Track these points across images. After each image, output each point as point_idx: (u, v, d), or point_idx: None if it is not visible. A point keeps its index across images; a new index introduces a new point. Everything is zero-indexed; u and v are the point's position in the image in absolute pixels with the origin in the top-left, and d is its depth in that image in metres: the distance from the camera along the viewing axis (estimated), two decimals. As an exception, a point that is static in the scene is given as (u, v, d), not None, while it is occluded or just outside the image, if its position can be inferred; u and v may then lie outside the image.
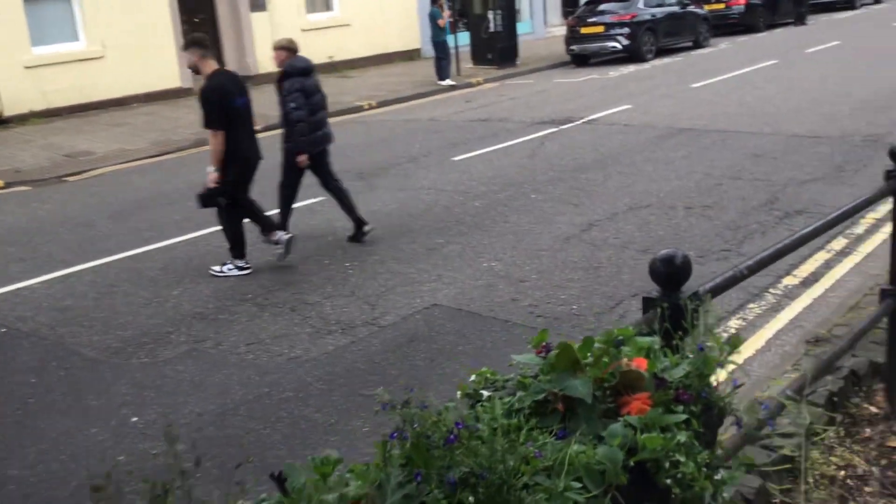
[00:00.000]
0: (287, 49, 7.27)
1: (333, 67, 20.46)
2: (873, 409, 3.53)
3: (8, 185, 11.09)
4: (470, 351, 5.14)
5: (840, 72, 14.90)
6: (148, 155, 12.52)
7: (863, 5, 28.78)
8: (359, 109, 15.58)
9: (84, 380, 5.09)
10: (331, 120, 14.29)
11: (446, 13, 17.57)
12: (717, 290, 2.09)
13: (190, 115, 15.36)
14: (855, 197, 7.57)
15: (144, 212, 9.10)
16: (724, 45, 21.33)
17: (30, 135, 14.31)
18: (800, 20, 24.62)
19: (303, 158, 7.28)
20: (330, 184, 7.64)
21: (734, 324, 5.28)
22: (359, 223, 7.46)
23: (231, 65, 19.23)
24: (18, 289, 6.78)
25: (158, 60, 17.36)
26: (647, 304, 1.95)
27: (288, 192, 7.48)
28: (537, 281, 6.20)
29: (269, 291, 6.37)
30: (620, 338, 1.80)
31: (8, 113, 15.41)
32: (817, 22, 25.07)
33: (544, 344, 1.80)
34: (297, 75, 7.20)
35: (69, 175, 11.51)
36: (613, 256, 6.58)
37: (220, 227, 7.03)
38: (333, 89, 17.72)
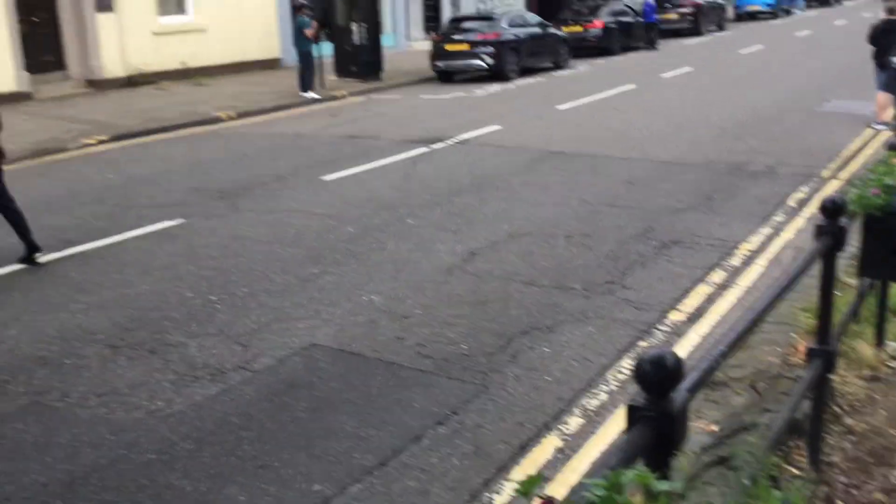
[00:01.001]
0: None
1: (187, 74, 19.46)
2: (794, 471, 3.40)
3: None
4: (356, 399, 4.73)
5: (696, 97, 15.46)
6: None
7: (709, 31, 30.36)
8: (216, 121, 14.78)
9: None
10: (186, 132, 13.66)
11: (314, 23, 17.02)
12: (695, 388, 1.80)
13: (29, 121, 14.12)
14: (722, 225, 7.78)
15: (-26, 233, 8.11)
16: (582, 67, 21.83)
17: None
18: (651, 45, 25.61)
19: None
20: (2, 202, 7.17)
21: (627, 363, 5.11)
22: (31, 247, 7.10)
23: (75, 69, 17.93)
24: None
25: (-9, 61, 15.88)
26: (633, 413, 1.61)
27: None
28: (422, 317, 5.85)
29: (123, 330, 5.70)
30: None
31: None
32: (668, 47, 26.17)
33: (546, 500, 1.38)
34: None
35: None
36: (499, 289, 6.33)
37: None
38: (188, 98, 16.85)
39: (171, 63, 19.21)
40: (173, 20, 19.49)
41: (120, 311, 6.02)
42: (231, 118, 15.01)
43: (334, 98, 17.31)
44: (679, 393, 1.62)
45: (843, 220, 2.91)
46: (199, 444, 4.29)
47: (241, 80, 19.52)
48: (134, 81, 18.39)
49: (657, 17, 25.76)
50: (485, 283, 6.46)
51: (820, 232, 2.87)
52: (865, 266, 3.70)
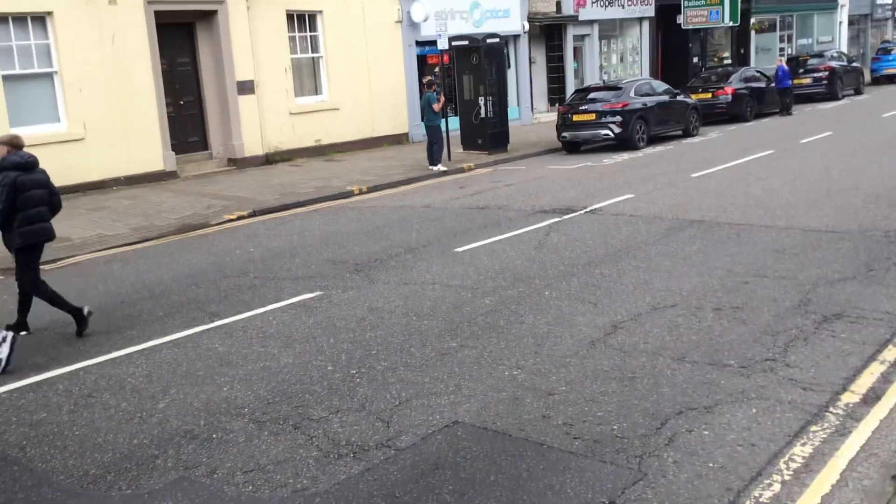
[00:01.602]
0: (7, 144, 7.54)
1: (321, 151, 20.15)
2: None
3: (-22, 273, 10.38)
4: (504, 482, 4.48)
5: (841, 163, 14.71)
6: (129, 241, 11.88)
7: (845, 96, 29.18)
8: (349, 195, 15.12)
9: (55, 518, 4.36)
10: (320, 206, 14.00)
11: (442, 98, 17.34)
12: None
13: (174, 198, 14.84)
14: (889, 297, 7.18)
15: (126, 306, 8.43)
16: (713, 133, 21.29)
17: (4, 218, 13.64)
18: (786, 110, 24.77)
19: None
20: (24, 279, 7.67)
21: (799, 451, 4.67)
22: (21, 325, 7.70)
23: (217, 148, 18.84)
24: (-17, 398, 6.06)
25: (141, 142, 16.89)
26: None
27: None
28: (567, 394, 5.58)
29: (267, 404, 5.69)
30: None
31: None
32: (802, 112, 25.27)
33: None
34: (10, 169, 7.36)
35: (45, 263, 10.80)
36: (647, 365, 5.99)
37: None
38: (321, 173, 17.37)
39: (306, 141, 19.94)
40: (309, 100, 20.31)
41: (263, 385, 6.03)
42: (362, 192, 15.33)
43: (461, 170, 17.46)
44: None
45: None
46: (346, 527, 4.14)
47: (371, 156, 20.03)
48: (271, 159, 19.15)
49: (791, 81, 24.95)
50: (631, 358, 6.14)
51: None
52: None
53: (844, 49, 37.87)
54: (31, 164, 7.52)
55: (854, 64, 31.38)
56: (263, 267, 9.79)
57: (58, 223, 12.92)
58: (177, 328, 7.51)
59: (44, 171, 7.69)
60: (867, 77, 33.80)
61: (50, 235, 7.80)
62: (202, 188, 16.10)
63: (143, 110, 16.87)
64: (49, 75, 15.81)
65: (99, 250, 11.42)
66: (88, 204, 14.78)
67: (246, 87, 18.63)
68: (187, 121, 18.45)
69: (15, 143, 7.56)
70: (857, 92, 30.35)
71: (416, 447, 4.94)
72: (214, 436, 5.23)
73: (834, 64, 29.44)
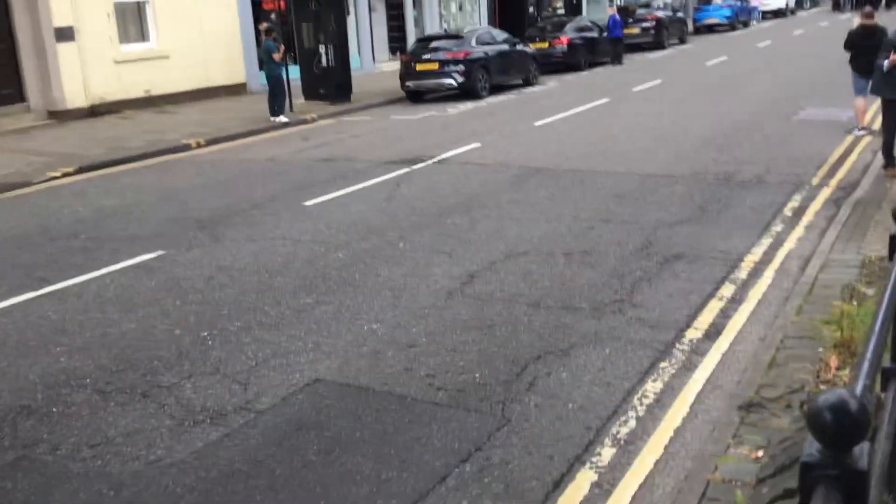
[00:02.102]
0: None
1: (151, 102, 19.03)
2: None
3: None
4: (370, 438, 4.42)
5: (672, 109, 15.41)
6: (-61, 203, 10.78)
7: (671, 45, 30.58)
8: (186, 148, 14.38)
9: None
10: (155, 161, 13.25)
11: (282, 47, 16.71)
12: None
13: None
14: (723, 237, 7.61)
15: (-60, 275, 7.66)
16: (552, 83, 21.78)
17: None
18: (617, 59, 25.68)
19: None
20: None
21: (651, 387, 4.87)
22: None
23: (35, 100, 17.42)
24: None
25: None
26: (807, 471, 1.35)
27: None
28: (428, 345, 5.56)
29: (111, 373, 5.33)
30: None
31: None
32: (632, 61, 26.27)
33: None
34: None
35: None
36: (504, 312, 6.06)
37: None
38: (154, 126, 16.42)
39: (134, 91, 18.76)
40: (135, 48, 19.06)
41: (105, 353, 5.64)
42: (200, 145, 14.63)
43: (304, 122, 16.99)
44: (863, 445, 1.35)
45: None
46: (207, 497, 3.95)
47: (207, 107, 19.13)
48: (96, 111, 17.91)
49: (622, 31, 25.85)
50: (489, 307, 6.19)
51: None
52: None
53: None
54: None
55: (679, 14, 32.90)
56: (95, 227, 9.16)
57: None
58: (2, 296, 6.90)
59: None
60: (690, 27, 35.56)
61: None
62: (20, 143, 14.85)
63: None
64: None
65: None
66: None
67: (65, 34, 17.23)
68: (1, 70, 16.89)
69: None
70: (682, 41, 31.88)
71: (277, 408, 4.78)
72: (54, 409, 4.85)
73: (660, 14, 30.75)
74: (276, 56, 16.46)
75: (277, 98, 16.60)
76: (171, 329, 6.04)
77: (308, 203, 9.68)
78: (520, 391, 4.87)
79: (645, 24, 29.61)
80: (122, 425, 4.65)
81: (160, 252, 7.97)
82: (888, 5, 42.81)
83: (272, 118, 16.55)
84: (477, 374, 5.10)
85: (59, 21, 17.10)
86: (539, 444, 4.30)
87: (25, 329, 6.16)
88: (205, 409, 4.79)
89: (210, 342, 5.76)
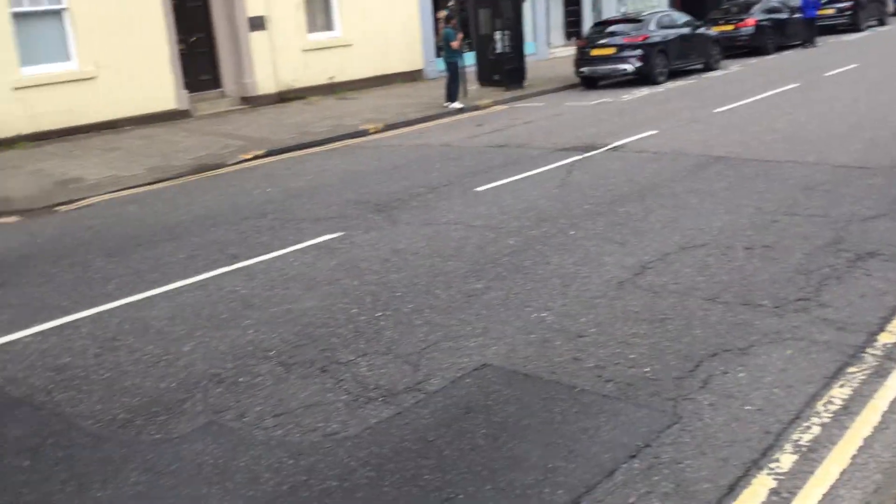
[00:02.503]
0: None
1: (333, 88, 19.83)
2: None
3: (-5, 215, 10.33)
4: (537, 425, 4.42)
5: (868, 96, 14.34)
6: (144, 182, 11.77)
7: (868, 27, 28.42)
8: (364, 133, 14.90)
9: (87, 463, 4.32)
10: (337, 145, 13.82)
11: (461, 34, 16.93)
12: None
13: (189, 138, 14.69)
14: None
15: (145, 249, 8.35)
16: (735, 67, 20.82)
17: (17, 160, 13.56)
18: (809, 42, 24.16)
19: None
20: None
21: (838, 392, 4.57)
22: None
23: (230, 86, 18.57)
24: (8, 342, 6.01)
25: (153, 81, 16.65)
26: None
27: None
28: (597, 336, 5.49)
29: (293, 347, 5.62)
30: None
31: (-5, 136, 14.66)
32: (825, 44, 24.65)
33: None
34: None
35: (60, 204, 10.75)
36: (678, 306, 5.88)
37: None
38: (335, 111, 17.11)
39: (319, 78, 19.63)
40: (321, 36, 19.93)
41: (289, 328, 5.96)
42: (379, 130, 15.11)
43: (477, 107, 17.16)
44: None
45: None
46: (379, 472, 4.09)
47: (385, 93, 19.71)
48: (284, 97, 18.88)
49: (817, 12, 24.28)
50: (661, 299, 6.02)
51: None
52: None
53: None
54: None
55: (880, -7, 30.48)
56: (282, 208, 9.67)
57: (70, 164, 12.87)
58: (198, 270, 7.44)
59: None
60: (890, 6, 32.86)
61: None
62: (216, 127, 15.91)
63: (155, 48, 16.60)
64: (58, 12, 15.52)
65: (114, 192, 11.31)
66: (102, 144, 14.64)
67: (257, 23, 18.27)
68: (199, 58, 18.15)
69: None
70: (881, 23, 29.54)
71: (446, 390, 4.88)
72: (242, 379, 5.18)
73: (858, -6, 28.62)
74: (454, 44, 16.71)
75: (454, 84, 16.85)
76: (349, 308, 6.29)
77: (481, 188, 9.78)
78: (693, 388, 4.71)
79: (840, 5, 27.65)
80: (301, 398, 4.90)
81: (341, 233, 8.32)
82: None
83: (446, 104, 16.82)
84: (648, 369, 4.98)
85: (253, 11, 18.14)
86: (713, 444, 4.14)
87: (218, 302, 6.62)
88: (378, 387, 4.97)
89: (384, 322, 5.95)
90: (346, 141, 14.33)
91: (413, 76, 21.82)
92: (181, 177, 12.07)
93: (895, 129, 11.19)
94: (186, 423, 4.67)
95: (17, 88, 14.83)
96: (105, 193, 11.22)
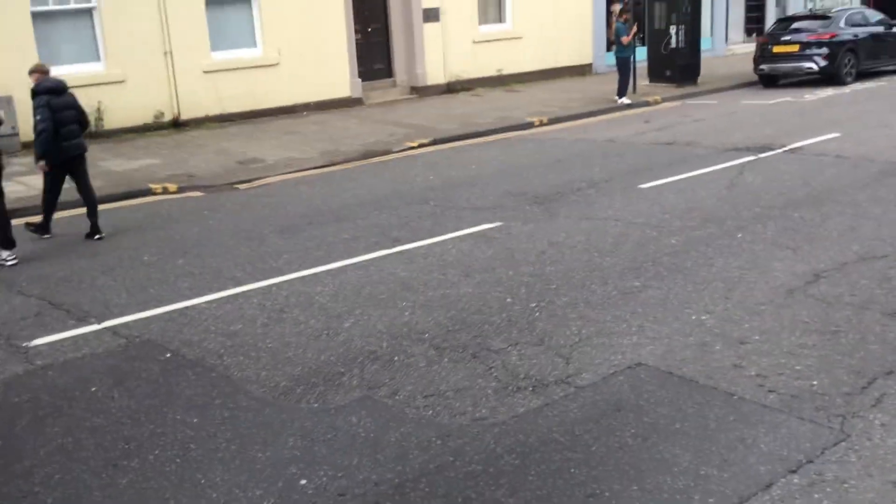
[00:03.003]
0: (38, 72, 8.64)
1: (501, 81, 19.94)
2: None
3: (181, 189, 11.10)
4: (690, 430, 4.28)
5: None
6: (316, 165, 12.29)
7: None
8: (529, 126, 14.91)
9: (250, 425, 4.58)
10: (500, 136, 13.89)
11: (633, 29, 16.60)
12: None
13: (358, 125, 15.20)
14: None
15: (313, 228, 8.73)
16: (934, 69, 19.24)
17: (204, 139, 14.50)
18: None
19: (41, 164, 8.53)
20: (82, 189, 8.91)
21: None
22: (94, 230, 8.78)
23: (401, 76, 19.04)
24: (186, 308, 6.46)
25: (331, 69, 17.34)
26: None
27: (48, 197, 8.84)
28: (761, 344, 5.24)
29: (447, 331, 5.72)
30: None
31: (185, 116, 15.74)
32: None
33: None
34: (43, 93, 8.41)
35: (240, 182, 11.42)
36: (853, 319, 5.52)
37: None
38: (502, 103, 17.20)
39: (487, 70, 19.79)
40: (492, 28, 20.07)
41: (443, 312, 6.07)
42: (542, 123, 15.06)
43: (647, 104, 16.76)
44: None
45: None
46: (524, 461, 4.09)
47: (552, 87, 19.61)
48: (452, 88, 19.18)
49: None
50: (834, 311, 5.68)
51: None
52: None
53: None
54: (61, 88, 8.60)
55: None
56: (443, 195, 9.84)
57: (251, 145, 13.64)
58: (361, 251, 7.70)
59: (72, 94, 8.78)
60: None
61: (84, 148, 8.86)
62: (385, 115, 16.38)
63: (333, 37, 17.27)
64: (248, 0, 16.44)
65: (288, 173, 11.89)
66: (280, 128, 15.41)
67: (432, 15, 18.63)
68: (374, 48, 18.73)
69: (43, 70, 8.68)
70: None
71: (597, 386, 4.81)
72: (396, 358, 5.32)
73: None
74: (625, 39, 16.40)
75: (623, 80, 16.54)
76: (503, 297, 6.32)
77: (644, 186, 9.55)
78: (864, 406, 4.41)
79: None
80: (452, 381, 4.98)
81: (498, 223, 8.37)
82: None
83: (614, 98, 16.54)
84: (815, 382, 4.71)
85: (428, 2, 18.50)
86: (882, 467, 3.87)
87: (378, 283, 6.82)
88: (528, 377, 4.97)
89: (537, 314, 5.94)
90: (509, 133, 14.38)
91: (582, 70, 21.58)
92: (349, 161, 12.52)
93: None
94: (343, 396, 4.86)
95: (207, 72, 15.85)
96: (280, 174, 11.81)
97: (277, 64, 16.66)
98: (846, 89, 16.91)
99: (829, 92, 16.62)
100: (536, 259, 7.19)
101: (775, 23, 20.09)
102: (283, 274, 7.16)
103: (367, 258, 7.50)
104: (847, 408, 4.41)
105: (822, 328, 5.41)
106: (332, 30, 17.22)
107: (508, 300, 6.26)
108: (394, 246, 7.80)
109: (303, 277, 7.05)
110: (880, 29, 18.66)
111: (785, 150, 10.96)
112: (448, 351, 5.41)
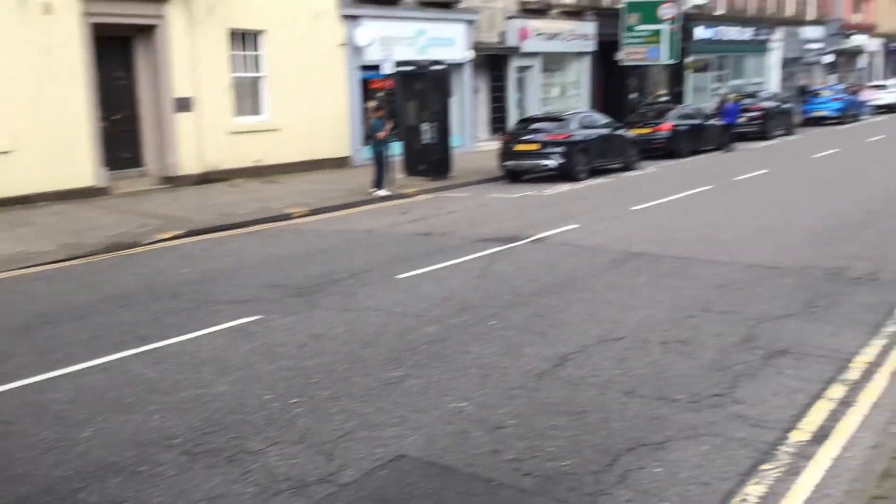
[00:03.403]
0: None
1: (259, 172, 19.75)
2: None
3: None
4: (452, 521, 4.28)
5: (778, 200, 15.00)
6: (55, 259, 11.34)
7: (777, 136, 30.01)
8: (289, 217, 14.80)
9: (-37, 559, 3.98)
10: (259, 228, 13.66)
11: (388, 125, 17.19)
12: None
13: (105, 216, 14.33)
14: (832, 334, 7.22)
15: (51, 327, 7.97)
16: (652, 168, 21.59)
17: (-79, 231, 12.95)
18: (728, 147, 25.35)
19: None
20: None
21: (752, 490, 4.58)
22: None
23: (151, 165, 18.32)
24: None
25: (71, 157, 16.28)
26: None
27: None
28: (516, 428, 5.41)
29: (200, 435, 5.37)
30: None
31: None
32: (736, 150, 25.84)
33: None
34: None
35: (-37, 279, 10.25)
36: (596, 399, 5.87)
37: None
38: (260, 195, 17.00)
39: (245, 161, 19.53)
40: (249, 120, 19.93)
41: (197, 414, 5.70)
42: (303, 214, 15.03)
43: (404, 196, 17.29)
44: None
45: None
46: (285, 570, 3.87)
47: (312, 178, 19.72)
48: (208, 178, 18.69)
49: (736, 119, 25.99)
50: (580, 392, 6.01)
51: None
52: None
53: (776, 90, 39.06)
54: None
55: (785, 105, 32.33)
56: (198, 289, 9.42)
57: (-21, 238, 12.32)
58: (104, 352, 7.11)
59: None
60: (796, 118, 34.86)
61: None
62: (135, 206, 15.58)
63: (75, 124, 16.29)
64: (-25, 84, 15.15)
65: (23, 268, 10.87)
66: (12, 220, 14.14)
67: (183, 105, 18.18)
68: (121, 136, 17.88)
69: None
70: (789, 132, 31.25)
71: (360, 483, 4.70)
72: (142, 468, 4.89)
73: (767, 104, 30.31)
74: (381, 134, 16.95)
75: (380, 172, 16.99)
76: (262, 394, 6.07)
77: (403, 275, 9.74)
78: (610, 483, 4.65)
79: (751, 114, 29.17)
80: (205, 489, 4.65)
81: (258, 316, 8.12)
82: None
83: (371, 190, 16.91)
84: (566, 462, 4.91)
85: (180, 92, 18.07)
86: (630, 542, 4.07)
87: (123, 386, 6.31)
88: (288, 479, 4.75)
89: (298, 409, 5.76)
90: (269, 224, 14.19)
91: (341, 162, 21.94)
92: (94, 255, 11.69)
93: (802, 233, 11.69)
94: (79, 515, 4.37)
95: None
96: (13, 269, 10.76)
97: (10, 152, 15.38)
98: (581, 185, 18.50)
99: (566, 187, 18.09)
100: (297, 352, 7.02)
101: (517, 123, 21.72)
102: (11, 381, 6.41)
103: (111, 359, 6.93)
104: (596, 486, 4.63)
105: (569, 409, 5.69)
106: (74, 116, 16.23)
107: (267, 397, 6.02)
108: (141, 345, 7.28)
109: (36, 383, 6.36)
110: (607, 131, 20.73)
111: (531, 241, 11.69)
112: (201, 456, 5.06)
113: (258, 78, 20.19)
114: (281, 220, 14.53)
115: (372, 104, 18.33)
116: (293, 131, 20.56)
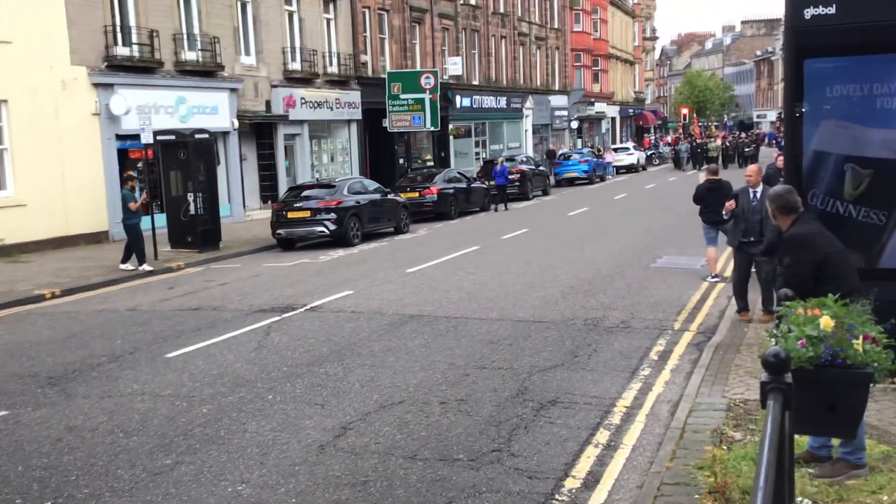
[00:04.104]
0: None
1: (5, 251, 18.10)
2: None
3: None
4: None
5: (539, 257, 15.90)
6: None
7: (535, 196, 32.03)
8: (39, 299, 13.60)
9: None
10: (3, 313, 12.42)
11: (143, 196, 16.35)
12: None
13: None
14: (594, 381, 7.69)
15: None
16: (423, 231, 22.21)
17: None
18: (489, 208, 26.68)
19: None
20: None
21: (533, 541, 4.69)
22: None
23: None
24: None
25: None
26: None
27: None
28: (298, 507, 5.21)
29: (-67, 555, 4.69)
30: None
31: None
32: (499, 211, 27.27)
33: None
34: None
35: None
36: (379, 466, 5.81)
37: None
38: (6, 276, 15.51)
39: (-13, 240, 17.81)
40: (-10, 194, 18.26)
41: (-72, 532, 4.99)
42: (55, 296, 13.87)
43: (170, 269, 16.50)
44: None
45: (788, 376, 2.73)
46: None
47: (67, 256, 18.35)
48: (-58, 260, 16.82)
49: (506, 180, 27.77)
50: (363, 461, 5.92)
51: (767, 389, 2.66)
52: (799, 422, 3.53)
53: (530, 153, 41.83)
54: None
55: (541, 168, 34.69)
56: (-69, 386, 8.35)
57: None
58: None
59: None
60: (552, 179, 37.48)
61: None
62: None
63: None
64: None
65: None
66: None
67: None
68: None
69: None
70: (545, 193, 33.48)
71: (128, 588, 4.29)
72: None
73: (524, 167, 32.36)
74: (132, 205, 16.04)
75: (135, 247, 16.02)
76: (11, 499, 5.43)
77: (171, 355, 9.21)
78: (397, 554, 4.58)
79: (511, 176, 30.97)
80: None
81: (3, 413, 7.32)
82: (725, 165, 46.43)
83: (122, 266, 15.93)
84: (351, 537, 4.78)
85: None
86: None
87: None
88: None
89: (54, 514, 5.20)
90: (16, 308, 12.95)
91: (99, 238, 20.59)
92: None
93: (563, 287, 12.44)
94: None
95: None
96: None
97: None
98: (355, 250, 18.61)
99: (340, 253, 18.12)
100: (51, 449, 6.38)
101: (288, 190, 21.56)
102: None
103: None
104: (383, 558, 4.54)
105: (353, 481, 5.58)
106: None
107: (18, 502, 5.39)
108: None
109: None
110: (377, 196, 21.11)
111: (307, 309, 11.52)
112: (-66, 581, 4.41)
113: (0, 150, 18.62)
114: (30, 302, 13.32)
115: (127, 174, 17.41)
116: (42, 206, 19.09)
